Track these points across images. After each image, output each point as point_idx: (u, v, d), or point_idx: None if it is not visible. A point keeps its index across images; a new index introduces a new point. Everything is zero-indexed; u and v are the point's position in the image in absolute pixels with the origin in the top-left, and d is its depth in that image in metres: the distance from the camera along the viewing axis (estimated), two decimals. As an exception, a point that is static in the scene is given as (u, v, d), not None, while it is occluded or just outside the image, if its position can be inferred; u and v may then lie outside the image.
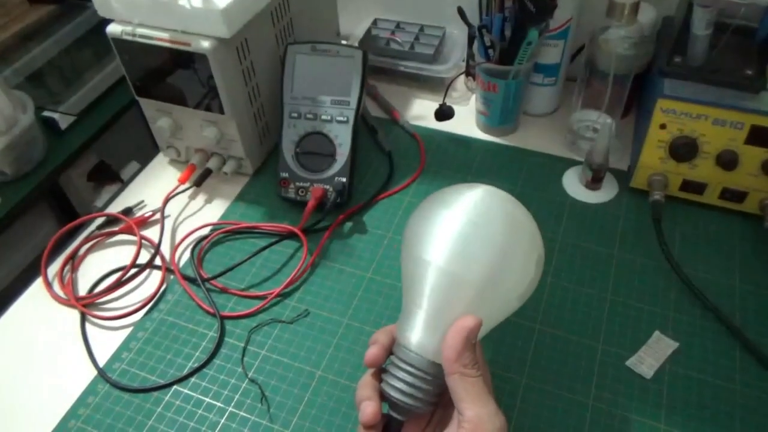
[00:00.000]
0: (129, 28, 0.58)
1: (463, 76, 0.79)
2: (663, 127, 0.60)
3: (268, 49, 0.66)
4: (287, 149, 0.64)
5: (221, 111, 0.62)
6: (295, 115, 0.64)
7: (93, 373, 0.52)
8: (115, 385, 0.51)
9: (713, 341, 0.52)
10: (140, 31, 0.58)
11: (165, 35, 0.57)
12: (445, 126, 0.74)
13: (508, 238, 0.37)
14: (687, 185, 0.62)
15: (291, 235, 0.62)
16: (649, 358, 0.51)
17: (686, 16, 0.60)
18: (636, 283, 0.57)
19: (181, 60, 0.58)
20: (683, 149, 0.60)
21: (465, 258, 0.37)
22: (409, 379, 0.37)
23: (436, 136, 0.74)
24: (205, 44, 0.56)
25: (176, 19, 0.56)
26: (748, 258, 0.59)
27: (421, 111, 0.77)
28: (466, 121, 0.75)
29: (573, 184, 0.67)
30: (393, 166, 0.69)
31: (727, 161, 0.59)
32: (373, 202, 0.66)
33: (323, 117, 0.63)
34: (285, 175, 0.64)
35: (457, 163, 0.70)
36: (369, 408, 0.37)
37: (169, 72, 0.61)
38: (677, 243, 0.60)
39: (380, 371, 0.40)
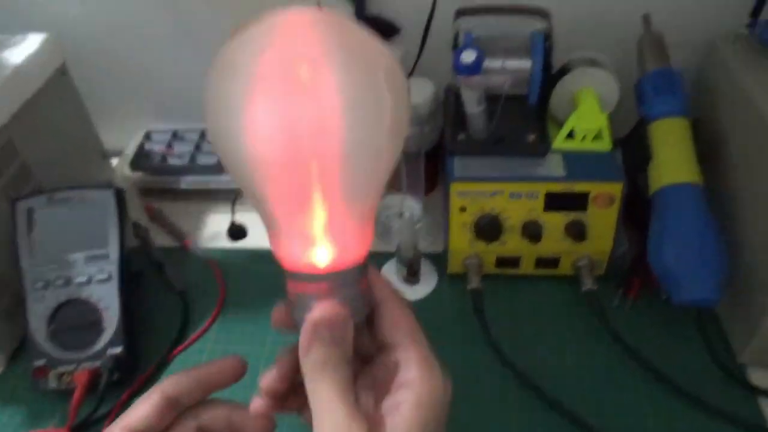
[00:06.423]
0: None
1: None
2: (463, 209, 0.57)
3: (-8, 210, 0.53)
4: (38, 329, 0.51)
5: (-70, 307, 0.48)
6: (41, 284, 0.51)
7: None
8: None
9: (560, 438, 0.48)
10: None
11: None
12: (243, 243, 0.65)
13: (340, 70, 0.26)
14: (502, 261, 0.59)
15: (62, 438, 0.49)
16: (499, 483, 0.46)
17: (458, 93, 0.58)
18: (471, 388, 0.52)
19: None
20: (488, 228, 0.57)
21: (299, 130, 0.26)
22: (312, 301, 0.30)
23: (234, 257, 0.64)
24: None
25: None
26: (574, 323, 0.56)
27: (215, 229, 0.68)
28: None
29: (391, 280, 0.61)
30: (188, 307, 0.59)
31: (532, 233, 0.56)
32: (168, 362, 0.55)
33: (78, 280, 0.52)
34: (40, 363, 0.51)
35: (262, 284, 0.61)
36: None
37: None
38: (506, 327, 0.56)
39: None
